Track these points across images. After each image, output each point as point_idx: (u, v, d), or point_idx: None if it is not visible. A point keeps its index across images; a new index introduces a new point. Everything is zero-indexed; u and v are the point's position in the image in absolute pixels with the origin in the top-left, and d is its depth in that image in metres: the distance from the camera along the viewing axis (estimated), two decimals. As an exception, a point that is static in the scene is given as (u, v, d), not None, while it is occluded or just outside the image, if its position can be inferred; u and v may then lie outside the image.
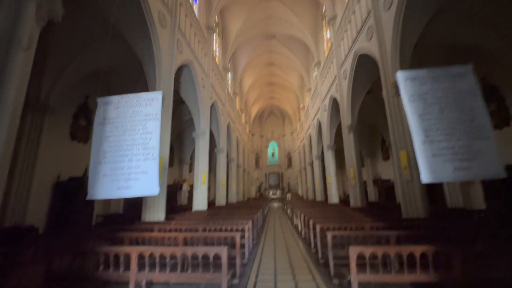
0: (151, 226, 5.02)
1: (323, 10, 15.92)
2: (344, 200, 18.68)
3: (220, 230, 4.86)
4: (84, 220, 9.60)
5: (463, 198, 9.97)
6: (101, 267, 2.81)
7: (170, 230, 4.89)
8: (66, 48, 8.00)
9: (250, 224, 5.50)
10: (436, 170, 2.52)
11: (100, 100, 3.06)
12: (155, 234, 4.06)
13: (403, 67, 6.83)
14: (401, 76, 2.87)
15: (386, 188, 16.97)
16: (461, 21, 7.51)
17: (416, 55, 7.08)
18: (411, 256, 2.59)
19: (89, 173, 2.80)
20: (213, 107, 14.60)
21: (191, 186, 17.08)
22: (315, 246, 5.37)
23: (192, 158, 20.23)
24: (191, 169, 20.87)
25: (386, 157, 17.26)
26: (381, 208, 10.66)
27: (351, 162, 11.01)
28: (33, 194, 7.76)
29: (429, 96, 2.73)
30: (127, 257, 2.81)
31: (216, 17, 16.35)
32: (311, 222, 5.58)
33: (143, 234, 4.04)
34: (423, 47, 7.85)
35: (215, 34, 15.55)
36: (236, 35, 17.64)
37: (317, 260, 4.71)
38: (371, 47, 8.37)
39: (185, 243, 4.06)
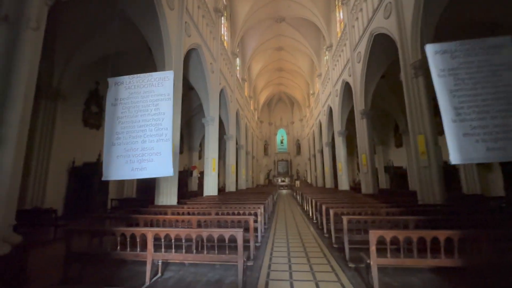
0: (164, 209, 5.08)
1: (336, -11, 15.09)
2: (354, 187, 18.52)
3: (233, 214, 4.86)
4: (100, 203, 9.92)
5: (481, 184, 9.65)
6: (118, 247, 2.85)
7: (183, 213, 4.94)
8: (75, 32, 7.94)
9: (262, 208, 5.49)
10: (467, 151, 2.35)
11: (110, 81, 2.99)
12: (168, 216, 4.10)
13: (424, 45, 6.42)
14: (430, 49, 2.63)
15: (398, 175, 16.63)
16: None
17: (436, 35, 6.60)
18: (433, 240, 2.48)
19: (104, 153, 2.78)
20: (222, 93, 14.42)
21: (201, 173, 17.30)
22: (328, 231, 5.32)
23: (201, 145, 20.33)
24: (200, 156, 21.06)
25: (399, 144, 16.81)
26: (394, 194, 10.48)
27: (364, 148, 10.75)
28: (50, 178, 8.01)
29: (461, 70, 2.50)
30: (143, 238, 2.82)
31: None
32: (323, 207, 5.52)
33: (157, 217, 4.08)
34: (444, 26, 7.31)
35: (223, 17, 15.09)
36: (245, 19, 17.08)
37: (331, 244, 4.67)
38: (389, 26, 7.89)
39: (199, 225, 4.08)
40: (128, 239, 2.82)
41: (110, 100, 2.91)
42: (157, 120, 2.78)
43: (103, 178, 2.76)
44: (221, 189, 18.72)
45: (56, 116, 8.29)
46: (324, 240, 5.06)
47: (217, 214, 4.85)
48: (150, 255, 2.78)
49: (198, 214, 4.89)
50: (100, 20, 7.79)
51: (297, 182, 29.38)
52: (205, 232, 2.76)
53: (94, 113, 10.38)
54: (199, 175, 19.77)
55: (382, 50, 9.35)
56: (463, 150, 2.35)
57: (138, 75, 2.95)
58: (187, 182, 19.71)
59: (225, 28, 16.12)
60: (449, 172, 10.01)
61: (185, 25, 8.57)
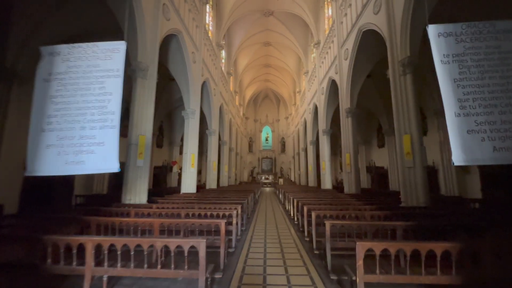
0: (127, 209, 4.47)
1: (326, -16, 14.80)
2: (337, 186, 18.57)
3: (205, 216, 4.36)
4: (62, 200, 9.01)
5: (458, 186, 9.78)
6: (48, 260, 2.27)
7: (148, 215, 4.36)
8: (34, 7, 6.97)
9: (239, 209, 5.02)
10: (472, 150, 2.00)
11: (44, 50, 2.36)
12: (128, 219, 3.51)
13: (413, 43, 6.21)
14: (432, 31, 2.26)
15: (379, 175, 16.83)
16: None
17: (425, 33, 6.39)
18: (428, 253, 2.13)
19: (28, 142, 2.16)
20: (204, 86, 13.72)
21: (182, 169, 16.57)
22: (309, 234, 4.96)
23: (183, 139, 19.47)
24: (181, 151, 20.22)
25: (381, 145, 16.97)
26: (376, 195, 10.41)
27: (348, 148, 10.58)
28: (1, 170, 7.04)
29: (467, 57, 2.15)
30: (82, 248, 2.26)
31: (210, -14, 15.03)
32: (305, 209, 5.15)
33: (115, 219, 3.49)
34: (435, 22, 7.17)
35: (208, 5, 14.34)
36: (232, 9, 16.38)
37: (312, 249, 4.30)
38: (378, 22, 7.64)
39: (163, 230, 3.54)
40: (61, 250, 2.25)
41: (41, 75, 2.29)
42: (102, 102, 2.21)
43: (27, 173, 2.16)
44: (201, 186, 18.05)
45: (10, 100, 7.28)
46: (304, 245, 4.68)
47: (187, 215, 4.32)
48: (89, 270, 2.22)
49: (166, 215, 4.33)
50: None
51: (281, 180, 29.24)
52: (159, 242, 2.24)
53: (59, 100, 9.38)
54: (179, 171, 18.96)
55: (369, 46, 9.15)
56: (467, 149, 2.00)
57: (80, 44, 2.35)
58: (166, 178, 18.87)
59: (211, 17, 15.37)
60: (428, 173, 10.10)
61: (163, 7, 7.83)
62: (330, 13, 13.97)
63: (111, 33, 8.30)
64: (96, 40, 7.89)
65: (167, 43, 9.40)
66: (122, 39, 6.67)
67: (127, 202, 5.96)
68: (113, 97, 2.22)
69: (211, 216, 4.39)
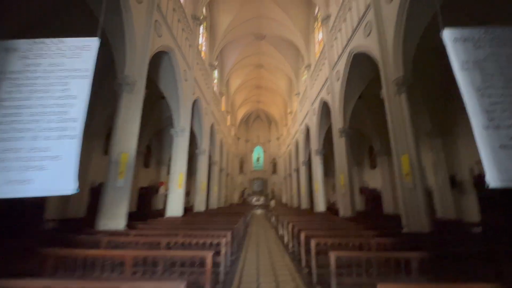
0: (98, 238, 3.84)
1: (316, 11, 15.50)
2: (329, 208, 18.06)
3: (189, 245, 3.79)
4: (32, 223, 8.08)
5: (455, 208, 9.53)
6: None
7: (122, 244, 3.75)
8: (19, 18, 6.68)
9: (228, 236, 4.47)
10: (507, 169, 1.68)
11: (-2, 45, 1.97)
12: (95, 252, 2.93)
13: (406, 62, 6.24)
14: (448, 35, 2.04)
15: (372, 196, 16.53)
16: (464, 21, 7.11)
17: (417, 49, 6.48)
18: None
19: (-41, 155, 1.69)
20: (196, 104, 13.48)
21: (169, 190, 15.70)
22: (308, 264, 4.42)
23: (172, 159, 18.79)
24: (170, 171, 19.43)
25: (374, 166, 16.88)
26: (373, 218, 9.98)
27: (342, 168, 10.30)
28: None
29: (489, 63, 1.92)
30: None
31: (204, 10, 15.42)
32: (302, 235, 4.65)
33: (78, 252, 2.90)
34: (420, 49, 7.32)
35: (202, 27, 14.59)
36: (225, 32, 16.77)
37: (311, 284, 3.76)
38: (369, 44, 7.77)
39: (139, 263, 2.97)
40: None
41: (-9, 74, 1.89)
42: (63, 107, 1.80)
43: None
44: (189, 209, 17.11)
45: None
46: (303, 278, 4.12)
47: (168, 245, 3.74)
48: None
49: (144, 245, 3.73)
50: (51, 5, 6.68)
51: (272, 202, 28.36)
52: (125, 285, 1.73)
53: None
54: (166, 192, 18.02)
55: (361, 68, 9.27)
56: (502, 168, 1.68)
57: (43, 40, 1.98)
58: (152, 200, 17.84)
59: (204, 38, 15.59)
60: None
61: (156, 24, 7.73)
62: (320, 37, 14.46)
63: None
64: None
65: (158, 60, 9.23)
66: (110, 52, 6.40)
67: (101, 228, 5.28)
68: (77, 101, 1.83)
69: (196, 245, 3.83)
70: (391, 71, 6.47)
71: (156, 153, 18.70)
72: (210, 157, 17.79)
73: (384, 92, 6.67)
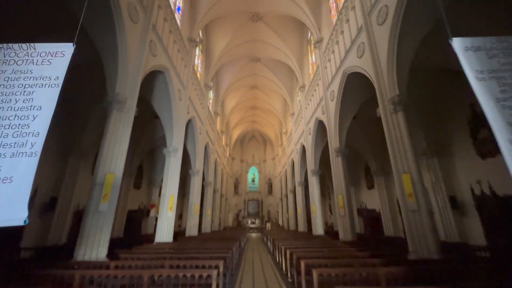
0: (72, 272, 3.36)
1: (308, 35, 16.09)
2: (328, 230, 17.38)
3: (176, 278, 3.34)
4: (5, 251, 7.35)
5: (459, 231, 9.16)
6: None
7: (99, 280, 3.27)
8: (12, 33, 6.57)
9: (221, 266, 4.02)
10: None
11: (-44, 50, 1.73)
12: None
13: (401, 81, 6.25)
14: (458, 45, 1.90)
15: (371, 218, 16.02)
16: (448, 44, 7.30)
17: (412, 68, 6.54)
18: None
19: None
20: (190, 124, 13.31)
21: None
22: (309, 299, 3.95)
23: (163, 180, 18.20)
24: (161, 193, 18.71)
25: (371, 186, 16.57)
26: (375, 242, 9.50)
27: (340, 188, 9.98)
28: None
29: (506, 73, 1.76)
30: None
31: (201, 33, 15.86)
32: (302, 264, 4.22)
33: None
34: (413, 69, 7.43)
35: (197, 49, 14.88)
36: (220, 54, 17.15)
37: (314, 323, 3.30)
38: (362, 64, 7.88)
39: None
40: None
41: None
42: (24, 119, 1.53)
43: None
44: (181, 233, 16.23)
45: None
46: (304, 315, 3.66)
47: (151, 279, 3.28)
48: None
49: (123, 279, 3.26)
50: (47, 25, 6.61)
51: (268, 225, 27.38)
52: None
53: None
54: (157, 215, 17.19)
55: (355, 87, 9.36)
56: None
57: (11, 44, 1.76)
58: (141, 224, 16.91)
59: (200, 60, 15.84)
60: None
61: (151, 44, 7.74)
62: (314, 59, 14.85)
63: (94, 68, 7.93)
64: (79, 73, 7.33)
65: (152, 79, 9.16)
66: (102, 70, 6.25)
67: (80, 258, 4.73)
68: (41, 113, 1.56)
69: (184, 278, 3.37)
70: (386, 90, 6.46)
71: (147, 173, 18.10)
72: (204, 178, 17.30)
73: (380, 111, 6.60)
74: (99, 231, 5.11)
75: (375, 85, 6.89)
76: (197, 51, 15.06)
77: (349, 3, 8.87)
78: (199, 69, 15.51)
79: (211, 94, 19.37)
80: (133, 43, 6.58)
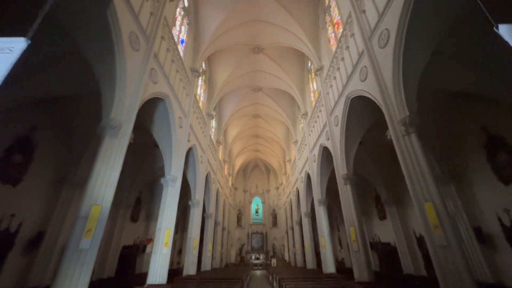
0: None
1: (309, 65, 16.48)
2: (339, 267, 15.83)
3: None
4: None
5: (490, 269, 8.04)
6: None
7: None
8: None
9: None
10: None
11: None
12: None
13: (409, 102, 5.92)
14: (506, 30, 1.51)
15: (386, 253, 14.62)
16: (456, 67, 7.15)
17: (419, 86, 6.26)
18: None
19: None
20: (191, 152, 12.97)
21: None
22: None
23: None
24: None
25: (383, 216, 15.44)
26: (396, 283, 8.36)
27: (351, 220, 9.15)
28: None
29: None
30: None
31: (204, 64, 16.37)
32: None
33: None
34: (421, 92, 7.19)
35: (200, 79, 15.19)
36: (223, 84, 17.51)
37: None
38: (366, 87, 7.68)
39: None
40: None
41: None
42: None
43: None
44: (179, 271, 14.90)
45: None
46: None
47: None
48: None
49: None
50: (45, 56, 6.65)
51: (274, 260, 25.40)
52: None
53: (16, 164, 8.04)
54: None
55: (360, 111, 9.10)
56: None
57: None
58: (137, 261, 15.64)
59: (202, 90, 16.09)
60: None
61: (152, 71, 7.74)
62: (315, 87, 14.96)
63: (92, 98, 7.85)
64: (76, 103, 7.17)
65: (153, 106, 9.06)
66: (99, 93, 6.06)
67: (50, 308, 3.99)
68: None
69: None
70: (395, 111, 6.11)
71: (146, 205, 17.29)
72: (204, 210, 16.43)
73: (391, 133, 6.17)
74: (78, 272, 4.41)
75: (383, 107, 6.56)
76: (200, 81, 15.36)
77: (348, 31, 9.03)
78: (201, 98, 15.67)
79: (213, 123, 19.39)
80: (132, 70, 6.51)
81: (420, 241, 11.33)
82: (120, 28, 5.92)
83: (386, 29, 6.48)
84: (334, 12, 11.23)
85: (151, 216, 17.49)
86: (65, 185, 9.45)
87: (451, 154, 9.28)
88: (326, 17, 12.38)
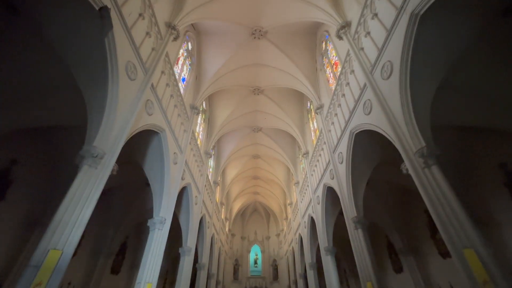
0: None
1: (308, 105, 16.65)
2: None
3: None
4: None
5: None
6: None
7: None
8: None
9: None
10: None
11: None
12: None
13: (424, 133, 5.39)
14: None
15: (409, 316, 12.36)
16: (464, 100, 6.90)
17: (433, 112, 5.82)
18: None
19: None
20: (185, 192, 12.00)
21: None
22: None
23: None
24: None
25: (398, 269, 13.59)
26: None
27: (367, 273, 7.75)
28: None
29: None
30: None
31: (204, 104, 16.53)
32: None
33: None
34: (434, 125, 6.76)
35: (200, 117, 15.11)
36: (223, 124, 17.44)
37: None
38: (372, 120, 7.29)
39: None
40: None
41: None
42: None
43: None
44: None
45: None
46: None
47: None
48: None
49: None
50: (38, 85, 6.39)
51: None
52: None
53: (-17, 202, 7.11)
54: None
55: (365, 148, 8.56)
56: None
57: None
58: (112, 325, 13.16)
59: (202, 128, 15.88)
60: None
61: (147, 103, 7.43)
62: (315, 126, 14.78)
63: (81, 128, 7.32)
64: (67, 133, 6.60)
65: (146, 140, 8.54)
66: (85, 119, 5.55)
67: None
68: None
69: None
70: (409, 143, 5.54)
71: (131, 254, 15.43)
72: (197, 260, 14.57)
73: (408, 167, 5.48)
74: None
75: (394, 139, 6.02)
76: (200, 119, 15.26)
77: (347, 68, 9.10)
78: (200, 136, 15.35)
79: (211, 162, 18.73)
80: (125, 98, 6.16)
81: (450, 299, 9.59)
82: (117, 56, 5.75)
83: (389, 61, 6.36)
84: (332, 54, 11.66)
85: (137, 266, 15.41)
86: (36, 229, 8.29)
87: (472, 196, 8.39)
88: (324, 59, 12.86)
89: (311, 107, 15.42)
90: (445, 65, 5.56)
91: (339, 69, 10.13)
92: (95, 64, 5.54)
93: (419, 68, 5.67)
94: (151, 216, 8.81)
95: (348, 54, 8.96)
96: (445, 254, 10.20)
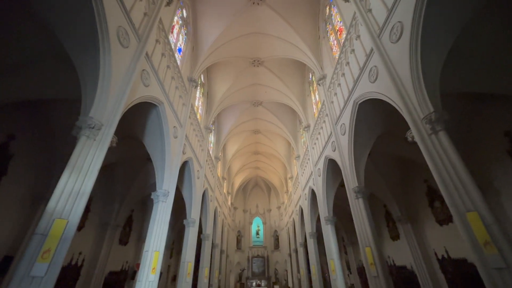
0: None
1: (310, 77, 16.11)
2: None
3: None
4: None
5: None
6: None
7: None
8: None
9: None
10: None
11: None
12: None
13: (433, 98, 5.18)
14: None
15: (403, 278, 13.11)
16: (473, 67, 6.55)
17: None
18: None
19: None
20: (186, 167, 12.06)
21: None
22: None
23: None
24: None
25: (395, 236, 14.15)
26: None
27: (366, 239, 8.01)
28: None
29: None
30: None
31: (203, 77, 15.98)
32: None
33: None
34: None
35: (198, 90, 14.69)
36: (222, 98, 17.02)
37: None
38: (377, 88, 7.00)
39: None
40: None
41: None
42: None
43: None
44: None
45: None
46: None
47: None
48: None
49: None
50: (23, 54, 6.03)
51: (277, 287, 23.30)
52: None
53: (-15, 177, 7.12)
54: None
55: (369, 117, 8.39)
56: None
57: None
58: (124, 290, 14.04)
59: (201, 103, 15.53)
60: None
61: (143, 73, 7.10)
62: (317, 98, 14.42)
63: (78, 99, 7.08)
64: (60, 105, 6.39)
65: (145, 113, 8.34)
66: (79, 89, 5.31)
67: None
68: None
69: None
70: (416, 109, 5.34)
71: (137, 226, 16.01)
72: (201, 231, 15.12)
73: (414, 134, 5.35)
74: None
75: (401, 106, 5.80)
76: (198, 93, 14.85)
77: (353, 33, 8.58)
78: (199, 111, 15.06)
79: (211, 137, 18.64)
80: (119, 67, 5.84)
81: (444, 262, 10.05)
82: (107, 20, 5.33)
83: (399, 21, 5.92)
84: (336, 19, 10.95)
85: (143, 238, 16.05)
86: (42, 203, 8.42)
87: (475, 164, 8.36)
88: (327, 26, 12.13)
89: (313, 78, 14.91)
90: (459, 26, 5.15)
91: (344, 36, 9.57)
92: (84, 30, 5.16)
93: (431, 30, 5.28)
94: (154, 190, 8.90)
95: (354, 18, 8.39)
96: (442, 221, 10.51)
